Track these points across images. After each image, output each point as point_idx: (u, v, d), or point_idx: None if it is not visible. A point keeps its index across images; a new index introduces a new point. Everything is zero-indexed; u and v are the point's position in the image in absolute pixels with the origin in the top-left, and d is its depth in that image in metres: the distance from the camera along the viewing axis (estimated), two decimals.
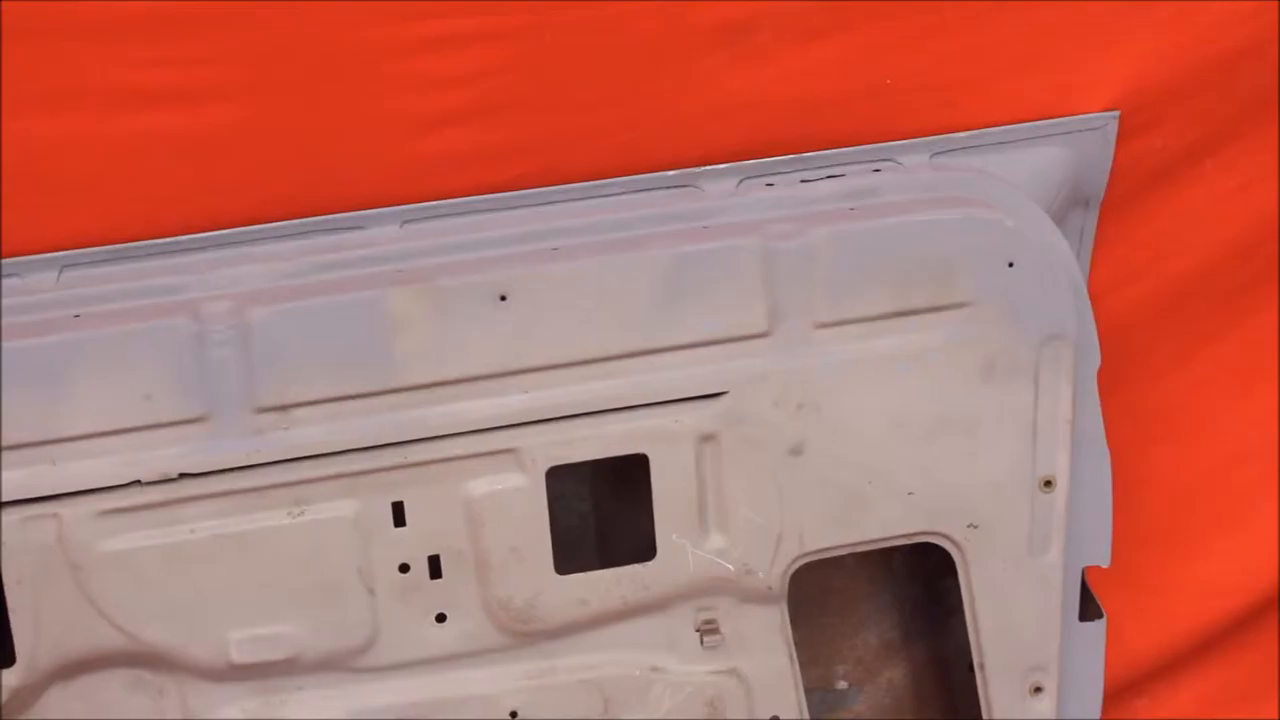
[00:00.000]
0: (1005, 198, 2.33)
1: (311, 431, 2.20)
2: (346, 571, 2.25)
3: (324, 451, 2.21)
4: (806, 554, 2.36)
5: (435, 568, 2.28)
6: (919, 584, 2.62)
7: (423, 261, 2.23)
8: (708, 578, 2.34)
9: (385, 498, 2.24)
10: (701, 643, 2.38)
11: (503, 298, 2.20)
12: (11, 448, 2.14)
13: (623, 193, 2.32)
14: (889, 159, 2.37)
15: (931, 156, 2.38)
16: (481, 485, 2.26)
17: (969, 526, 2.38)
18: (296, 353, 2.17)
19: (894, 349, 2.30)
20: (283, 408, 2.19)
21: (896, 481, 2.35)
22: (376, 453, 2.22)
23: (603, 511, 2.46)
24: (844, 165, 2.36)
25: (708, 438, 2.29)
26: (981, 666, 2.46)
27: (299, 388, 2.18)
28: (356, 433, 2.21)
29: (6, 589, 2.18)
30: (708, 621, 2.38)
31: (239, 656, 2.25)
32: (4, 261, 2.20)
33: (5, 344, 2.12)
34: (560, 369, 2.24)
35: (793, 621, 2.40)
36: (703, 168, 2.33)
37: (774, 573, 2.36)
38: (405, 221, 2.28)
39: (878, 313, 2.29)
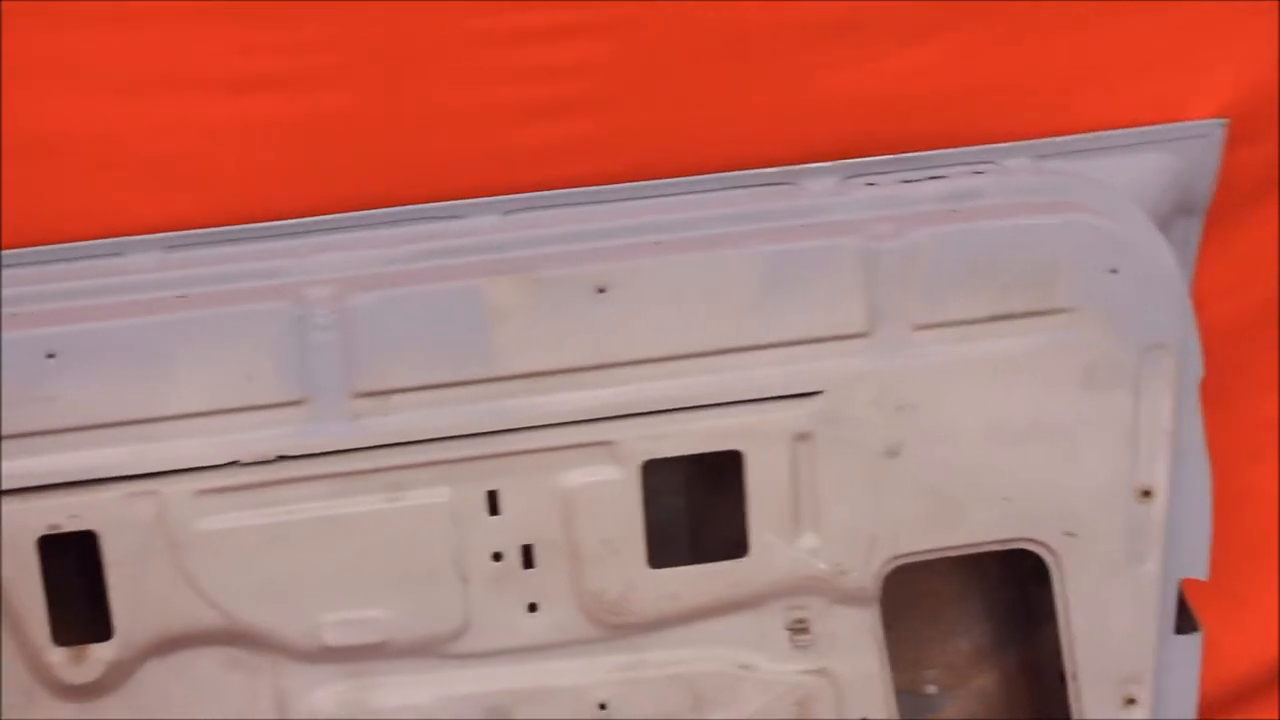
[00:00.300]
0: (1109, 203, 2.31)
1: (409, 418, 2.21)
2: (440, 558, 2.26)
3: (420, 438, 2.22)
4: (900, 556, 2.35)
5: (528, 557, 2.28)
6: (1012, 589, 2.59)
7: (523, 252, 2.24)
8: (800, 577, 2.34)
9: (480, 486, 2.25)
10: (792, 642, 2.37)
11: (601, 290, 2.21)
12: (115, 425, 2.17)
13: (723, 189, 2.32)
14: (991, 161, 2.36)
15: (1034, 160, 2.36)
16: (576, 477, 2.26)
17: (1065, 534, 2.36)
18: (396, 339, 2.19)
19: (993, 353, 2.29)
20: (381, 393, 2.20)
21: (993, 486, 2.33)
22: (472, 441, 2.23)
23: (696, 506, 2.45)
24: (946, 167, 2.35)
25: (803, 436, 2.28)
26: (1074, 676, 2.43)
27: (398, 374, 2.20)
28: (453, 420, 2.22)
29: (107, 565, 2.20)
30: (798, 621, 2.37)
31: (331, 639, 2.27)
32: (111, 241, 2.23)
33: (110, 322, 2.16)
34: (657, 363, 2.24)
35: (883, 623, 2.38)
36: (803, 165, 2.32)
37: (867, 574, 2.34)
38: (507, 211, 2.29)
39: (977, 316, 2.28)
